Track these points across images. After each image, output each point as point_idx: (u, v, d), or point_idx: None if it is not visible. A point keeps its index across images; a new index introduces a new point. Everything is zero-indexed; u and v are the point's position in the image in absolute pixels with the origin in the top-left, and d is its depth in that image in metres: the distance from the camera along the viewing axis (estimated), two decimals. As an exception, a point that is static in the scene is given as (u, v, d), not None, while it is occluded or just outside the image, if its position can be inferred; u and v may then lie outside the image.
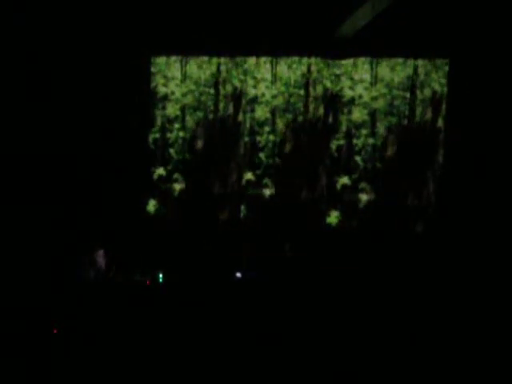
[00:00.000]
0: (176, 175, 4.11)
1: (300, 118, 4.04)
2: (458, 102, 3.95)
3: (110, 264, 3.94)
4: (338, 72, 4.00)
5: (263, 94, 4.03)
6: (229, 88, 4.06)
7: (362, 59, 3.98)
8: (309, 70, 4.02)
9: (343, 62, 4.00)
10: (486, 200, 3.92)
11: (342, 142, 4.03)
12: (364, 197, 4.02)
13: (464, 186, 3.95)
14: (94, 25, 3.97)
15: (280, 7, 3.86)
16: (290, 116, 4.04)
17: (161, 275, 3.86)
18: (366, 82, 3.99)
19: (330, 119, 4.03)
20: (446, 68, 3.96)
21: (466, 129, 3.95)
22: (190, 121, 4.08)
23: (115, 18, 3.96)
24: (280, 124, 4.05)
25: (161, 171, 4.12)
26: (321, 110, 4.03)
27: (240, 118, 4.06)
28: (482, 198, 3.93)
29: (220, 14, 3.94)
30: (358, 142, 4.01)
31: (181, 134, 4.09)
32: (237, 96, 4.05)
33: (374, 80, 3.99)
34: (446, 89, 3.97)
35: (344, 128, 4.02)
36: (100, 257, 3.93)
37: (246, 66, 4.04)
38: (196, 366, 3.05)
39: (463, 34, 3.89)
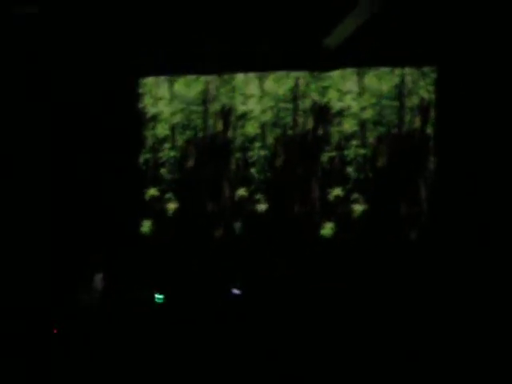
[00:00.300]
0: (168, 195, 4.12)
1: (290, 132, 4.04)
2: (447, 108, 3.96)
3: (107, 286, 3.95)
4: (325, 84, 4.01)
5: (252, 110, 4.04)
6: (217, 105, 4.06)
7: (349, 70, 3.99)
8: (296, 84, 4.02)
9: (330, 73, 4.00)
10: (479, 205, 3.93)
11: (333, 153, 4.04)
12: (357, 207, 4.03)
13: (456, 192, 3.96)
14: (83, 49, 3.97)
15: (265, 23, 3.86)
16: (279, 130, 4.05)
17: (160, 295, 3.88)
18: (353, 93, 3.99)
19: (320, 131, 4.03)
20: (434, 75, 3.97)
21: (455, 134, 3.96)
22: (179, 140, 4.09)
23: (102, 42, 3.95)
24: (270, 138, 4.05)
25: (153, 191, 4.12)
26: (310, 123, 4.03)
27: (230, 134, 4.07)
28: (475, 203, 3.94)
29: (206, 31, 3.94)
30: (348, 153, 4.02)
31: (171, 153, 4.09)
32: (226, 113, 4.06)
33: (362, 90, 3.99)
34: (433, 96, 3.97)
35: (334, 140, 4.03)
36: (98, 279, 3.94)
37: (233, 82, 4.04)
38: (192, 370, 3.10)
39: (450, 41, 3.89)
